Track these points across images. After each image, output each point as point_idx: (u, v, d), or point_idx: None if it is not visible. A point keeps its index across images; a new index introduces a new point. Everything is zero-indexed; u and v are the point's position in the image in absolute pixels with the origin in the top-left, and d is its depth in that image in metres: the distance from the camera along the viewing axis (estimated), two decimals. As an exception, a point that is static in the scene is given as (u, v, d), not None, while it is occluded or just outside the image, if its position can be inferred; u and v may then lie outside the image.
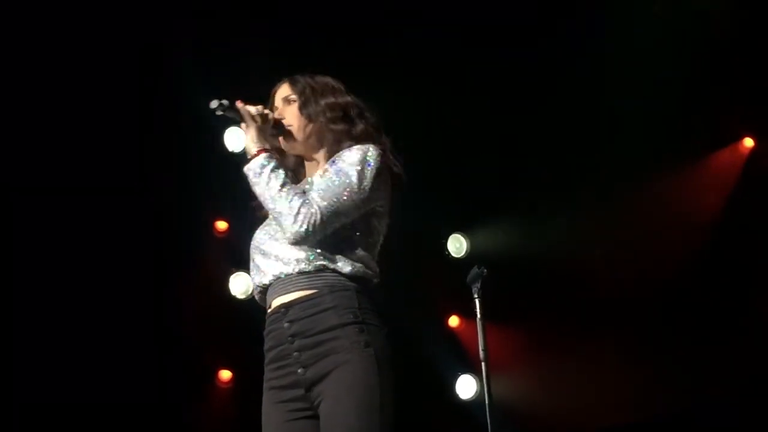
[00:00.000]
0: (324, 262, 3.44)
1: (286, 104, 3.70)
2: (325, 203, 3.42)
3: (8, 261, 6.44)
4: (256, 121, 3.58)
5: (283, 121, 3.67)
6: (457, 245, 7.88)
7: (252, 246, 3.62)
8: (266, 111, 3.64)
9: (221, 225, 7.08)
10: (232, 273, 7.00)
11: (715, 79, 7.52)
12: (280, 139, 3.67)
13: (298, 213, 3.41)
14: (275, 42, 6.63)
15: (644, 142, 7.56)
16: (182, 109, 6.47)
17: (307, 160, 3.73)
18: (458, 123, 7.47)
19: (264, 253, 3.55)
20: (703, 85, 7.49)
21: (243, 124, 3.60)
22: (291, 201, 3.43)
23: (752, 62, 7.47)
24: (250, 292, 6.92)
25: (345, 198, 3.44)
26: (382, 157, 3.55)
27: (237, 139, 6.69)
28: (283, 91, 3.73)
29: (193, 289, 7.04)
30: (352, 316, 3.39)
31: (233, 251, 6.92)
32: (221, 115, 3.60)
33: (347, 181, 3.46)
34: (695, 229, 7.86)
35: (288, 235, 3.44)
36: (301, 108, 3.66)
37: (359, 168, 3.48)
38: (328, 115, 3.63)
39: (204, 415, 7.15)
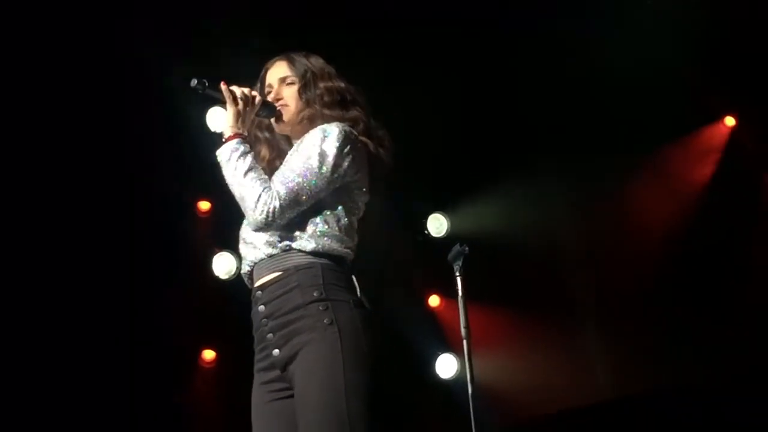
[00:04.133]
0: (289, 242, 3.47)
1: (282, 84, 3.70)
2: (285, 190, 3.42)
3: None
4: (236, 104, 3.56)
5: (281, 102, 3.67)
6: (437, 225, 7.88)
7: (240, 234, 3.65)
8: (254, 93, 3.63)
9: (204, 205, 7.07)
10: (216, 253, 7.01)
11: (697, 58, 7.56)
12: (272, 120, 3.69)
13: (258, 200, 3.42)
14: (259, 22, 6.63)
15: (626, 122, 7.59)
16: (164, 88, 6.46)
17: (295, 141, 3.69)
18: (439, 102, 7.47)
19: (244, 240, 3.59)
20: (684, 64, 7.52)
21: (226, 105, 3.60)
22: (253, 188, 3.44)
23: (733, 42, 7.50)
24: (233, 273, 6.94)
25: (305, 182, 3.44)
26: (348, 134, 3.53)
27: (220, 118, 6.69)
28: (280, 70, 3.72)
29: (177, 269, 7.04)
30: (316, 294, 3.40)
31: (216, 231, 6.92)
32: (201, 94, 3.59)
33: (308, 163, 3.45)
34: (677, 208, 7.90)
35: (250, 221, 3.48)
36: (301, 91, 3.66)
37: (320, 149, 3.47)
38: (326, 99, 3.63)
39: (188, 395, 7.16)
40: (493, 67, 7.38)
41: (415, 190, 7.47)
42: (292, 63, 3.71)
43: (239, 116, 3.57)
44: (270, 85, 3.72)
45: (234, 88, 3.60)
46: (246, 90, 3.62)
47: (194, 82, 3.57)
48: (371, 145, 3.62)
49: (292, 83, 3.69)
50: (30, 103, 6.38)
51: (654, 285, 7.71)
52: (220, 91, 3.58)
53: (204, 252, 7.06)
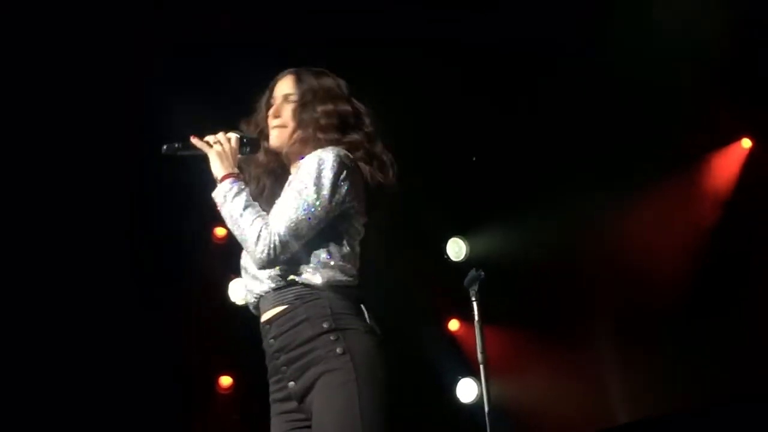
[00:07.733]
0: (293, 276, 3.41)
1: (285, 101, 3.61)
2: (284, 226, 3.36)
3: (13, 268, 6.46)
4: (215, 148, 3.52)
5: (278, 121, 3.60)
6: (456, 249, 7.87)
7: (241, 264, 3.62)
8: (229, 135, 3.56)
9: (220, 231, 7.06)
10: (231, 279, 7.00)
11: (713, 79, 7.52)
12: (264, 150, 3.62)
13: (258, 238, 3.37)
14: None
15: (643, 144, 7.55)
16: (182, 116, 6.45)
17: (291, 165, 3.62)
18: (458, 126, 7.47)
19: (246, 271, 3.56)
20: (700, 85, 7.48)
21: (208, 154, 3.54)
22: (252, 226, 3.38)
23: (749, 62, 7.47)
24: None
25: (304, 215, 3.37)
26: (344, 158, 3.44)
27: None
28: (286, 86, 3.64)
29: (193, 295, 7.04)
30: (326, 325, 3.36)
31: (232, 258, 6.89)
32: (178, 156, 3.57)
33: (305, 195, 3.38)
34: (694, 230, 7.85)
35: (254, 260, 3.42)
36: (297, 111, 3.57)
37: (315, 178, 3.39)
38: (322, 122, 3.53)
39: (206, 421, 7.15)
40: (512, 92, 7.36)
41: (434, 215, 7.45)
42: (298, 80, 3.63)
43: (223, 156, 3.51)
44: (274, 99, 3.65)
45: (208, 137, 3.55)
46: (218, 135, 3.55)
47: (165, 148, 3.56)
48: (366, 170, 3.52)
49: (293, 101, 3.61)
50: (43, 123, 6.42)
51: (673, 307, 7.66)
52: (194, 145, 3.55)
53: (219, 278, 7.05)
